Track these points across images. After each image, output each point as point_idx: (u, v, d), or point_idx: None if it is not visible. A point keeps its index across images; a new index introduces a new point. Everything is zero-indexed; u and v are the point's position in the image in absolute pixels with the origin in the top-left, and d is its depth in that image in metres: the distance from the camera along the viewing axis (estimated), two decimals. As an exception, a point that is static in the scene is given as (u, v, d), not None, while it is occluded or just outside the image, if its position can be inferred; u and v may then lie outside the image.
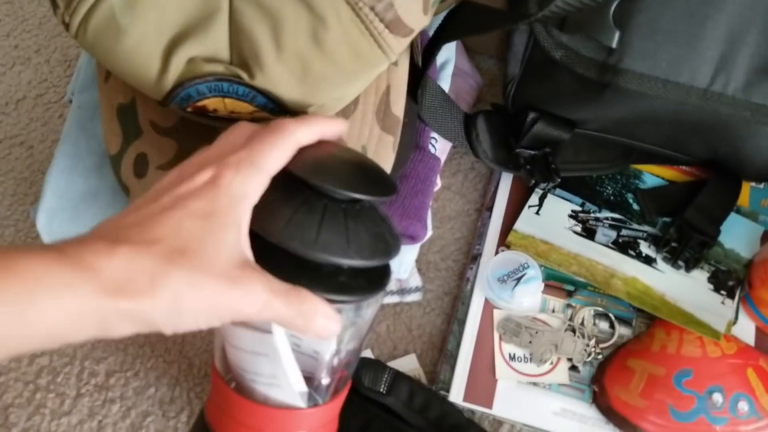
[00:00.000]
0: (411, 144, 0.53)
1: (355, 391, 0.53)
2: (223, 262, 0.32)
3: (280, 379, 0.40)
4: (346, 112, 0.49)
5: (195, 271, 0.31)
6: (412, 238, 0.51)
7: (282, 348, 0.38)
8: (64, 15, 0.40)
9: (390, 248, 0.39)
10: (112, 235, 0.32)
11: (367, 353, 0.58)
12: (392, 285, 0.57)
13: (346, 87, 0.44)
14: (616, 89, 0.51)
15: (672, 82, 0.48)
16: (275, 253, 0.36)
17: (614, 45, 0.48)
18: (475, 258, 0.59)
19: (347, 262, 0.36)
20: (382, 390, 0.53)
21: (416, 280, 0.57)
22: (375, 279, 0.39)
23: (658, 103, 0.51)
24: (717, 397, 0.51)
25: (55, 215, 0.52)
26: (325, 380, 0.43)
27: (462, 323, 0.56)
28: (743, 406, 0.51)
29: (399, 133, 0.50)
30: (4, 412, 0.55)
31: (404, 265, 0.53)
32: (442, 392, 0.54)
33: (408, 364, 0.58)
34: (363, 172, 0.39)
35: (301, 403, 0.41)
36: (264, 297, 0.34)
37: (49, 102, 0.68)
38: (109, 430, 0.55)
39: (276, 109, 0.42)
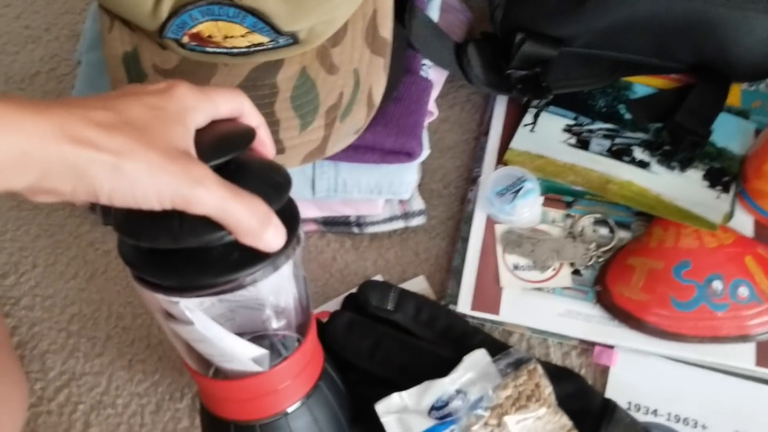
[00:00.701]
0: (401, 67, 0.55)
1: (363, 312, 0.55)
2: (167, 143, 0.34)
3: (230, 356, 0.41)
4: (336, 39, 0.51)
5: (139, 141, 0.33)
6: (409, 155, 0.54)
7: (210, 333, 0.39)
8: None
9: (271, 198, 0.37)
10: (65, 102, 0.34)
11: (378, 278, 0.60)
12: (395, 209, 0.59)
13: (331, 6, 0.46)
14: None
15: (643, -26, 0.49)
16: (159, 258, 0.36)
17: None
18: (475, 180, 0.61)
19: (223, 236, 0.35)
20: (389, 308, 0.55)
21: (419, 203, 0.60)
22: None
23: (638, 6, 0.53)
24: (717, 285, 0.53)
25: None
26: (283, 332, 0.45)
27: (465, 241, 0.58)
28: (743, 291, 0.53)
29: (389, 55, 0.52)
30: (41, 358, 0.58)
31: (405, 184, 0.55)
32: (450, 305, 0.56)
33: (417, 285, 0.60)
34: (213, 140, 0.38)
35: (261, 367, 0.42)
36: (208, 183, 0.34)
37: (61, 75, 0.72)
38: (139, 366, 0.58)
39: (266, 29, 0.45)
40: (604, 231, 0.58)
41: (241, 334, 0.42)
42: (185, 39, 0.46)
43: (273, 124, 0.50)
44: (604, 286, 0.55)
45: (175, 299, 0.37)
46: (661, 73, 0.62)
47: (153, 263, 0.37)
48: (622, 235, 0.58)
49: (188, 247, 0.36)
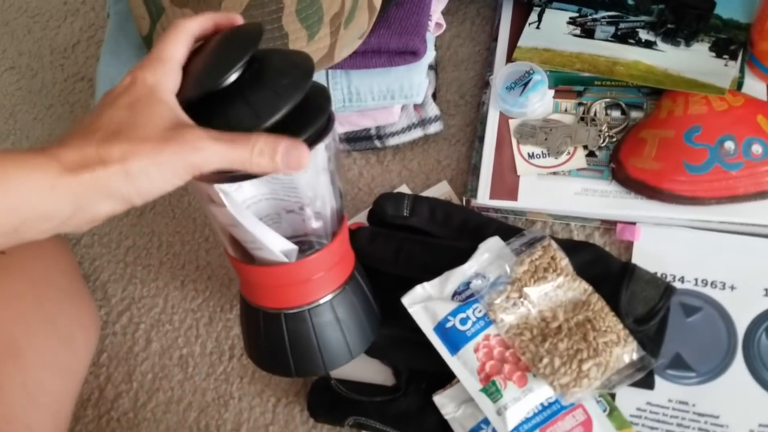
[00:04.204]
0: (400, -27, 0.58)
1: (381, 223, 0.58)
2: (155, 128, 0.38)
3: (259, 242, 0.45)
4: (333, -48, 0.55)
5: (132, 141, 0.37)
6: (415, 54, 0.56)
7: (240, 216, 0.43)
8: None
9: (297, 86, 0.41)
10: (61, 136, 0.39)
11: (403, 188, 0.63)
12: (412, 117, 0.62)
13: None
14: None
15: None
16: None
17: None
18: (487, 84, 0.63)
19: (263, 126, 0.40)
20: (405, 214, 0.58)
21: (434, 109, 0.62)
22: (306, 118, 0.42)
23: None
24: (729, 145, 0.53)
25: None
26: (320, 238, 0.49)
27: (482, 140, 0.60)
28: (757, 148, 0.53)
29: (384, -41, 0.55)
30: (103, 287, 0.64)
31: (415, 87, 0.58)
32: (471, 199, 0.58)
33: (440, 190, 0.62)
34: (230, 46, 0.42)
35: (287, 258, 0.46)
36: (206, 144, 0.38)
37: (99, 41, 0.78)
38: (191, 286, 0.63)
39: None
40: (616, 114, 0.59)
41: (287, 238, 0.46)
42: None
43: (282, 38, 0.53)
44: (617, 162, 0.56)
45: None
46: (663, -44, 0.62)
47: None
48: (635, 115, 0.59)
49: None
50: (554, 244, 0.53)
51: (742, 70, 0.57)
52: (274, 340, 0.50)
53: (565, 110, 0.60)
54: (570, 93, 0.60)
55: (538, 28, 0.62)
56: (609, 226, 0.58)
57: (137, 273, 0.64)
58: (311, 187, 0.47)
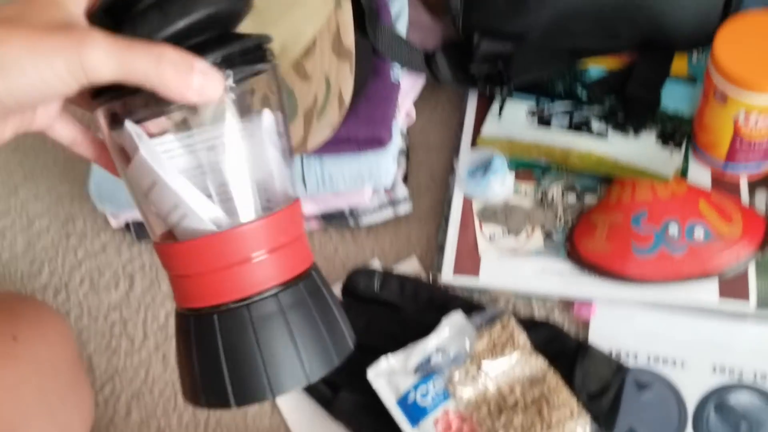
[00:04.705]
0: (367, 69, 0.63)
1: (353, 297, 0.62)
2: (38, 21, 0.31)
3: (182, 204, 0.35)
4: (309, 51, 0.60)
5: (10, 26, 0.31)
6: (381, 142, 0.61)
7: (155, 163, 0.34)
8: None
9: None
10: None
11: (375, 262, 0.67)
12: (383, 198, 0.66)
13: (291, 20, 0.55)
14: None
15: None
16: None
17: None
18: (454, 169, 0.68)
19: (174, 28, 0.33)
20: (375, 290, 0.62)
21: (403, 191, 0.66)
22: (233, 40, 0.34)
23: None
24: (673, 229, 0.57)
25: (101, 185, 0.65)
26: (243, 190, 0.36)
27: (447, 220, 0.64)
28: (699, 233, 0.57)
29: (353, 59, 0.61)
30: (88, 359, 0.67)
31: (383, 171, 0.62)
32: (437, 274, 0.62)
33: (410, 266, 0.66)
34: None
35: (215, 227, 0.35)
36: (95, 40, 0.31)
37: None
38: (173, 359, 0.66)
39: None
40: (572, 197, 0.63)
41: None
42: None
43: (260, 128, 0.58)
44: (571, 243, 0.60)
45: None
46: (616, 52, 0.68)
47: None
48: (589, 199, 0.63)
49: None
50: (513, 321, 0.56)
51: (686, 158, 0.62)
52: (206, 354, 0.36)
53: (525, 193, 0.64)
54: (530, 176, 0.65)
55: (499, 118, 0.67)
56: (568, 302, 0.61)
57: (122, 344, 0.67)
58: (253, 155, 0.37)
